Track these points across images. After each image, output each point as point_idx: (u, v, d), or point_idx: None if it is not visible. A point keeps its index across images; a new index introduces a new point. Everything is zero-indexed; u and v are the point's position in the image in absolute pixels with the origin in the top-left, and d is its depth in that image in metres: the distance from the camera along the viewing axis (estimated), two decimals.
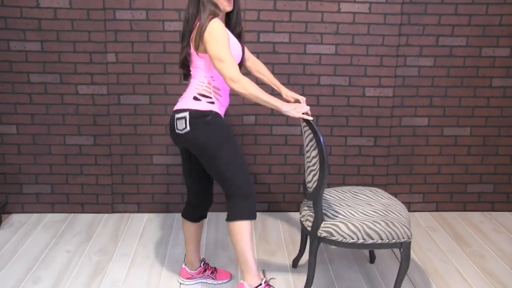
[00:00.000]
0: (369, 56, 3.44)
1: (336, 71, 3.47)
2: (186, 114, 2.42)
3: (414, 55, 3.47)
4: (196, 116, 2.41)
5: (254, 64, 2.78)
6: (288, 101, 2.65)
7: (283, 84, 3.44)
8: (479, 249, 3.22)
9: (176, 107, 2.49)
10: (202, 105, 2.43)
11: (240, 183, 2.44)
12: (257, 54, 3.39)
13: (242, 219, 2.45)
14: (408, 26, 3.41)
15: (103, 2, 3.28)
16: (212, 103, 2.44)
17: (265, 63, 3.38)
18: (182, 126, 2.43)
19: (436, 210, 3.75)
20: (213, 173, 2.48)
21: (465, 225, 3.56)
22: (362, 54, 3.44)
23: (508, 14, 3.43)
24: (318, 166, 2.39)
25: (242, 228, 2.45)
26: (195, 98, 2.44)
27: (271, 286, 2.54)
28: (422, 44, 3.45)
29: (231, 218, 2.47)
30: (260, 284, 2.48)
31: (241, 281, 2.52)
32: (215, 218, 3.58)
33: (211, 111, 2.43)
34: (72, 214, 3.62)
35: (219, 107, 2.47)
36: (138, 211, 3.65)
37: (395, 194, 3.69)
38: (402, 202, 3.69)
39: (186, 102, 2.46)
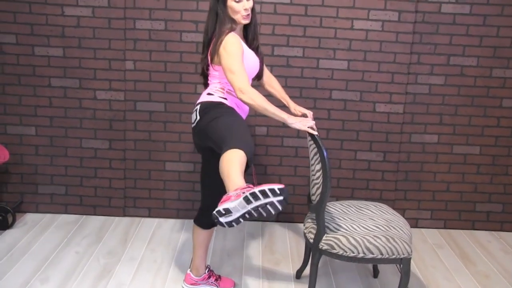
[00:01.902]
0: (381, 72, 3.51)
1: (348, 86, 3.53)
2: (198, 107, 2.53)
3: (425, 73, 3.52)
4: (206, 105, 2.50)
5: (268, 78, 2.88)
6: (295, 115, 2.74)
7: (296, 97, 3.52)
8: (484, 269, 3.22)
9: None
10: (214, 98, 2.52)
11: (237, 137, 2.23)
12: (271, 67, 3.48)
13: (230, 148, 2.14)
14: (420, 44, 3.48)
15: (124, 12, 3.40)
16: (225, 98, 2.53)
17: (279, 76, 3.48)
18: (194, 117, 2.53)
19: (444, 228, 3.75)
20: (217, 149, 2.35)
21: (472, 243, 3.56)
22: (374, 70, 3.51)
23: None
24: (322, 179, 2.44)
25: (229, 153, 2.12)
26: (209, 94, 2.55)
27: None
28: (433, 62, 3.51)
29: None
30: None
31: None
32: (223, 228, 3.62)
33: (221, 103, 2.51)
34: (84, 215, 3.70)
35: (232, 104, 2.54)
36: (149, 216, 3.72)
37: (403, 210, 3.72)
38: (410, 218, 3.71)
39: (199, 99, 2.58)
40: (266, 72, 2.86)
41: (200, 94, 3.48)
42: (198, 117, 2.50)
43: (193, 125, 2.56)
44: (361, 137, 3.60)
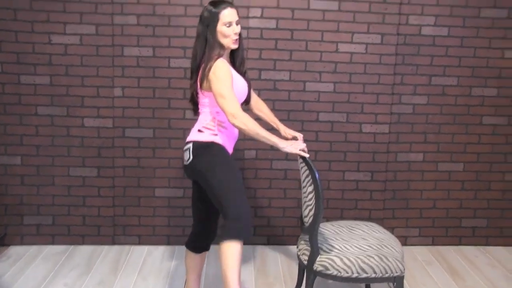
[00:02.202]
0: (366, 94, 3.60)
1: (334, 108, 3.61)
2: (190, 145, 2.56)
3: (408, 94, 3.63)
4: (199, 146, 2.55)
5: (256, 102, 2.92)
6: (286, 138, 2.80)
7: (284, 120, 3.57)
8: (473, 284, 3.27)
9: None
10: (205, 137, 2.56)
11: (234, 204, 2.43)
12: (258, 91, 3.53)
13: (230, 239, 2.40)
14: (403, 66, 3.59)
15: (112, 39, 3.42)
16: (215, 135, 2.57)
17: (266, 100, 3.53)
18: (187, 157, 2.57)
19: (432, 244, 3.82)
20: (212, 197, 2.52)
21: (460, 259, 3.63)
22: (359, 92, 3.60)
23: (494, 58, 3.63)
24: (314, 201, 2.48)
25: (229, 249, 2.39)
26: (199, 131, 2.58)
27: None
28: (416, 83, 3.62)
29: (221, 238, 2.43)
30: None
31: None
32: (215, 252, 3.61)
33: (212, 142, 2.56)
34: (72, 246, 3.62)
35: (223, 139, 2.59)
36: (139, 243, 3.67)
37: (392, 228, 3.77)
38: (399, 236, 3.76)
39: (191, 135, 2.61)
40: (254, 96, 2.90)
41: (188, 119, 3.52)
42: (191, 157, 2.54)
43: (185, 164, 2.59)
44: (348, 157, 3.67)
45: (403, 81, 3.61)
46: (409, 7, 3.52)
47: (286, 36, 3.50)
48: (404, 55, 3.58)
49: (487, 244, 3.85)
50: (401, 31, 3.54)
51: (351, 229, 2.80)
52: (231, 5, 2.55)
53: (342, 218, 3.73)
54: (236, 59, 2.67)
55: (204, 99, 2.58)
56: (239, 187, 2.49)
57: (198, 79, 2.56)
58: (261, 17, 3.46)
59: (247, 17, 3.44)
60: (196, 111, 2.69)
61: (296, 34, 3.50)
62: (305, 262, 2.57)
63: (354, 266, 2.47)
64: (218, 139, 2.56)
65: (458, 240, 3.83)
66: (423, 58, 3.59)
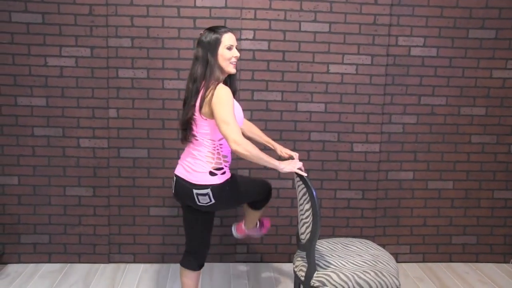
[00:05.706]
0: (357, 113, 3.66)
1: (326, 127, 3.67)
2: (209, 191, 2.58)
3: (398, 113, 3.69)
4: (218, 190, 2.60)
5: (247, 125, 2.98)
6: (282, 157, 2.89)
7: (276, 140, 3.63)
8: None
9: (192, 180, 2.60)
10: (219, 179, 2.61)
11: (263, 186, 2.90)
12: (251, 111, 3.59)
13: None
14: (392, 86, 3.66)
15: (107, 62, 3.48)
16: (224, 172, 2.64)
17: (259, 120, 3.59)
18: (207, 200, 2.60)
19: (423, 261, 3.88)
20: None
21: (451, 275, 3.68)
22: (350, 112, 3.66)
23: (482, 77, 3.69)
24: (311, 218, 2.53)
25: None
26: (211, 173, 2.60)
27: None
28: (405, 103, 3.69)
29: None
30: None
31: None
32: (209, 269, 3.66)
33: (227, 181, 2.63)
34: (69, 264, 3.68)
35: (228, 168, 2.70)
36: (134, 261, 3.72)
37: (383, 245, 3.82)
38: (391, 253, 3.81)
39: (204, 178, 2.59)
40: (245, 120, 2.97)
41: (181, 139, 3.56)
42: (213, 201, 2.61)
43: (202, 204, 2.62)
44: (340, 176, 3.72)
45: (393, 101, 3.67)
46: (398, 28, 3.59)
47: (278, 58, 3.56)
48: (394, 75, 3.64)
49: (477, 260, 3.90)
50: (390, 52, 3.61)
51: (346, 246, 2.86)
52: (231, 29, 2.62)
53: (334, 236, 3.78)
54: (232, 84, 2.70)
55: (204, 125, 2.56)
56: (252, 181, 2.84)
57: (197, 102, 2.53)
58: (253, 39, 3.53)
59: (240, 39, 3.51)
60: (186, 138, 2.63)
61: (288, 56, 3.57)
62: (302, 278, 2.62)
63: (351, 281, 2.52)
64: (227, 174, 2.66)
65: (448, 257, 3.89)
66: (413, 78, 3.66)
